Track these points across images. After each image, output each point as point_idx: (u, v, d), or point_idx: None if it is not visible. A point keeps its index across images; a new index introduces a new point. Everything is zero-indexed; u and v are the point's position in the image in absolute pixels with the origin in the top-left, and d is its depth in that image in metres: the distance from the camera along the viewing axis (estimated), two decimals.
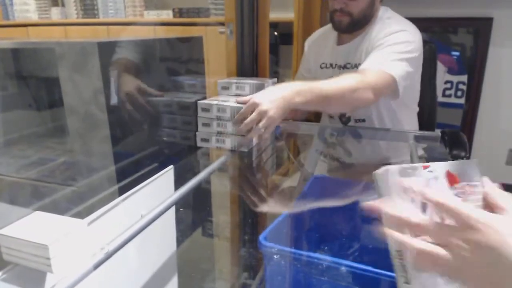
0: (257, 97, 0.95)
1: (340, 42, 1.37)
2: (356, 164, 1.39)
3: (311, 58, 1.48)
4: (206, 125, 1.11)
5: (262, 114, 0.93)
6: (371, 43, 1.24)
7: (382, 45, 1.18)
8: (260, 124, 0.93)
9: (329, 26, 1.46)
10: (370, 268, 0.61)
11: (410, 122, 1.41)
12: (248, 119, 0.94)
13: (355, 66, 1.30)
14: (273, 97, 0.94)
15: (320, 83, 1.01)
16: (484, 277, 0.39)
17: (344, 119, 1.39)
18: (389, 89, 1.13)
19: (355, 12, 1.24)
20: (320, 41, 1.47)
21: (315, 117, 2.17)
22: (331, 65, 1.39)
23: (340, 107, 1.15)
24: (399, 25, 1.23)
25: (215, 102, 1.05)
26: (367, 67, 1.12)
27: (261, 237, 0.68)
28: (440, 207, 0.43)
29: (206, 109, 1.06)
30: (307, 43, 1.51)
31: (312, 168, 1.27)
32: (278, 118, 0.94)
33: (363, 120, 1.33)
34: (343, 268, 0.64)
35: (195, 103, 1.11)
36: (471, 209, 0.41)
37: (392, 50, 1.16)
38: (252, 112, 0.94)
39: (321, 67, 1.42)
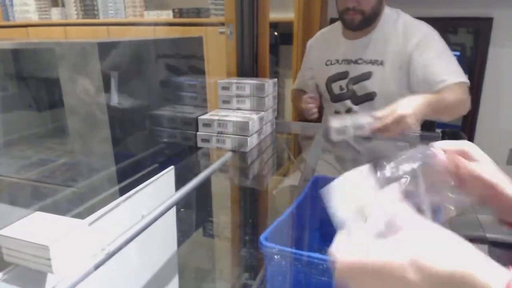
0: (401, 111, 1.03)
1: (349, 38, 1.41)
2: (356, 164, 1.40)
3: (312, 57, 1.53)
4: (206, 125, 1.11)
5: (406, 126, 1.03)
6: (400, 43, 1.30)
7: (435, 50, 1.27)
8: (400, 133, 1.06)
9: (332, 26, 1.51)
10: None
11: None
12: (393, 132, 1.05)
13: (369, 62, 1.36)
14: (414, 111, 1.04)
15: (439, 96, 1.16)
16: None
17: (351, 113, 1.43)
18: None
19: (366, 9, 1.29)
20: (323, 40, 1.51)
21: None
22: (337, 61, 1.44)
23: (449, 116, 1.25)
24: (424, 25, 1.32)
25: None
26: (454, 81, 1.22)
27: (261, 238, 0.68)
28: None
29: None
30: (308, 44, 1.57)
31: (313, 168, 1.27)
32: (412, 123, 1.05)
33: None
34: None
35: (195, 104, 1.11)
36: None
37: (450, 56, 1.28)
38: (396, 123, 1.04)
39: (326, 64, 1.46)
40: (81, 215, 0.52)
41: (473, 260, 0.33)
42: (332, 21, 2.34)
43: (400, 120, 1.02)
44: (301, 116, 1.57)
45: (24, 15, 3.44)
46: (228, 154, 1.07)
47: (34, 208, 0.52)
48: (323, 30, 1.57)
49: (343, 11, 1.32)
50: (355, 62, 1.39)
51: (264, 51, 1.48)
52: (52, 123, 1.14)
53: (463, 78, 1.24)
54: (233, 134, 1.09)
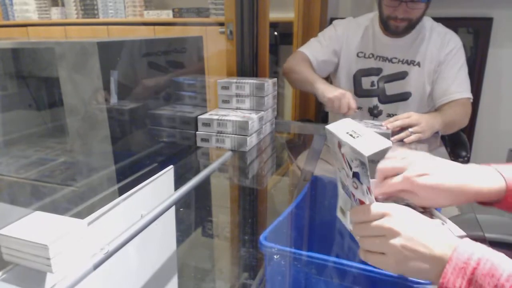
0: (416, 118, 1.20)
1: (388, 36, 1.43)
2: None
3: (342, 40, 1.48)
4: (206, 125, 1.11)
5: (415, 138, 1.18)
6: (435, 51, 1.39)
7: (457, 64, 1.38)
8: (407, 140, 1.17)
9: (367, 16, 1.50)
10: (370, 267, 0.61)
11: None
12: (403, 134, 1.18)
13: (405, 62, 1.41)
14: (427, 126, 1.19)
15: (447, 115, 1.29)
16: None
17: (376, 111, 1.44)
18: None
19: (414, 18, 1.32)
20: (356, 29, 1.48)
21: (315, 116, 2.17)
22: (372, 55, 1.45)
23: (452, 130, 1.37)
24: (455, 37, 1.41)
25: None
26: (461, 97, 1.35)
27: (261, 237, 0.68)
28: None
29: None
30: (340, 26, 1.50)
31: (313, 168, 1.27)
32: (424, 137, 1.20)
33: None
34: (343, 268, 0.64)
35: (195, 104, 1.11)
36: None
37: (465, 72, 1.39)
38: (407, 124, 1.19)
39: (358, 56, 1.46)
40: (81, 215, 0.52)
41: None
42: (332, 21, 2.34)
43: (410, 123, 1.17)
44: (296, 83, 1.47)
45: (23, 15, 3.44)
46: (228, 154, 1.07)
47: (33, 207, 0.52)
48: (353, 19, 1.52)
49: (389, 18, 1.34)
50: (390, 60, 1.41)
51: (264, 51, 1.48)
52: (51, 122, 1.14)
53: (468, 94, 1.37)
54: (232, 134, 1.09)
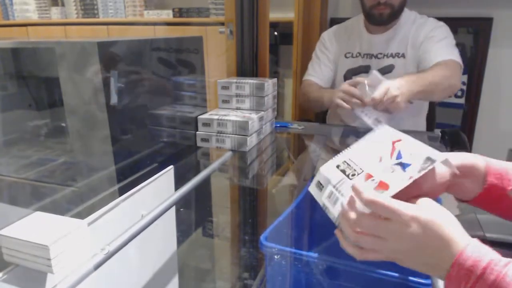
0: (394, 92, 1.11)
1: (372, 33, 1.45)
2: None
3: (332, 49, 1.54)
4: (206, 125, 1.11)
5: (395, 105, 1.10)
6: (415, 36, 1.38)
7: (437, 37, 1.34)
8: (385, 100, 1.08)
9: (351, 20, 1.55)
10: (370, 267, 0.61)
11: (424, 118, 1.53)
12: (379, 95, 1.09)
13: (390, 56, 1.42)
14: (403, 91, 1.12)
15: (423, 73, 1.22)
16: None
17: None
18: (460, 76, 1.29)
19: (396, 3, 1.34)
20: (342, 32, 1.54)
21: (315, 116, 2.16)
22: (359, 54, 1.48)
23: (435, 93, 1.27)
24: (435, 21, 1.40)
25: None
26: (443, 59, 1.28)
27: (262, 237, 0.68)
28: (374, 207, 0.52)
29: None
30: (326, 36, 1.57)
31: (313, 168, 1.27)
32: (401, 101, 1.11)
33: None
34: (344, 268, 0.64)
35: (195, 104, 1.11)
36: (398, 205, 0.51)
37: (449, 43, 1.34)
38: (388, 102, 1.09)
39: (345, 57, 1.50)
40: (81, 215, 0.52)
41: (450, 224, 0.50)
42: (332, 21, 2.34)
43: (392, 100, 1.09)
44: (315, 107, 1.57)
45: (23, 14, 3.44)
46: (228, 154, 1.07)
47: (34, 207, 0.52)
48: (338, 25, 1.59)
49: (372, 6, 1.36)
50: (376, 56, 1.44)
51: (264, 51, 1.48)
52: (51, 122, 1.14)
53: (452, 56, 1.29)
54: (232, 134, 1.09)
